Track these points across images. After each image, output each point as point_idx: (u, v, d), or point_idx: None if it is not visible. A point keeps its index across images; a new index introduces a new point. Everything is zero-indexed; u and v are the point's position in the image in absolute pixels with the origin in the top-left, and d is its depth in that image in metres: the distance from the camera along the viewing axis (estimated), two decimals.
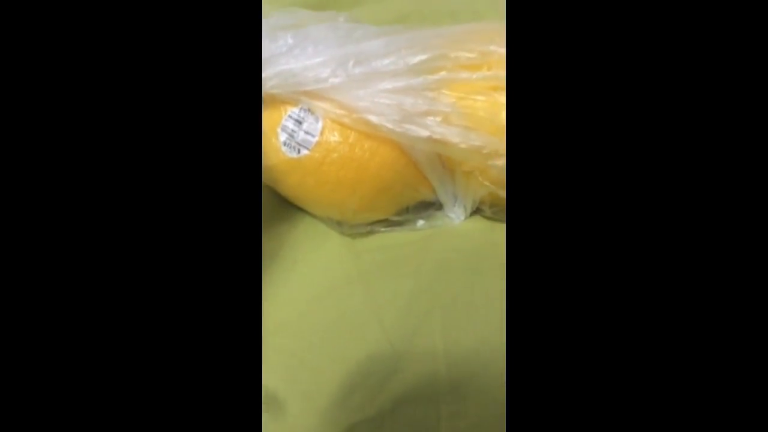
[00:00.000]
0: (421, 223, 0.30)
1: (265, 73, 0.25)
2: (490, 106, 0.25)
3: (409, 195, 0.29)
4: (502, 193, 0.26)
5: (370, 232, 0.30)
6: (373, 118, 0.25)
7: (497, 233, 0.29)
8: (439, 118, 0.25)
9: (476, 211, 0.30)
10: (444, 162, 0.27)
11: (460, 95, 0.25)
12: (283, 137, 0.27)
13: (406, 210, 0.30)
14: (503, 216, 0.29)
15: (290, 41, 0.26)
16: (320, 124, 0.26)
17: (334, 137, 0.26)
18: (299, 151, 0.27)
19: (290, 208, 0.31)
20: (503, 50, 0.24)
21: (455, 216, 0.30)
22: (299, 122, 0.27)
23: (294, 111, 0.27)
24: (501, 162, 0.25)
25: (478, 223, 0.29)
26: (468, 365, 0.24)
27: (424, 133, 0.25)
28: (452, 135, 0.25)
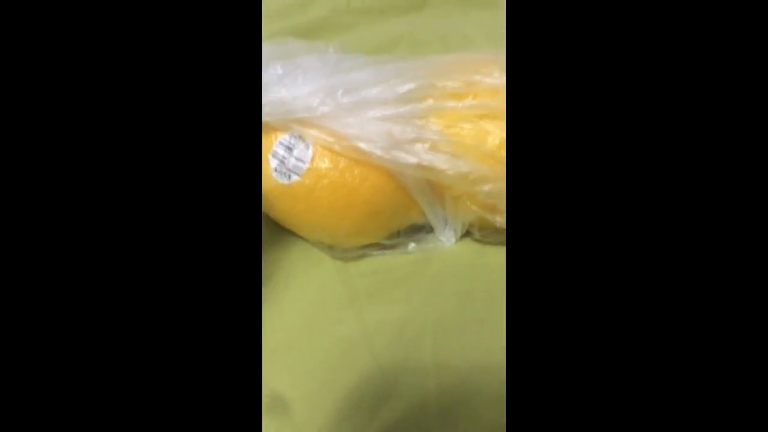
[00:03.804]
0: (412, 246, 0.30)
1: None
2: (477, 133, 0.25)
3: (399, 219, 0.29)
4: (490, 217, 0.27)
5: (362, 256, 0.30)
6: (362, 145, 0.25)
7: (487, 256, 0.29)
8: (427, 145, 0.25)
9: (466, 234, 0.30)
10: (433, 186, 0.28)
11: (447, 123, 0.25)
12: (273, 164, 0.27)
13: (398, 233, 0.30)
14: (492, 239, 0.29)
15: (280, 71, 0.26)
16: (311, 151, 0.27)
17: (324, 163, 0.27)
18: (290, 177, 0.27)
19: (283, 232, 0.31)
20: (488, 80, 0.25)
21: (446, 239, 0.30)
22: (290, 149, 0.27)
23: (285, 138, 0.27)
24: (487, 187, 0.25)
25: (469, 246, 0.30)
26: (458, 391, 0.24)
27: (413, 159, 0.25)
28: (440, 162, 0.25)
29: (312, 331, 0.27)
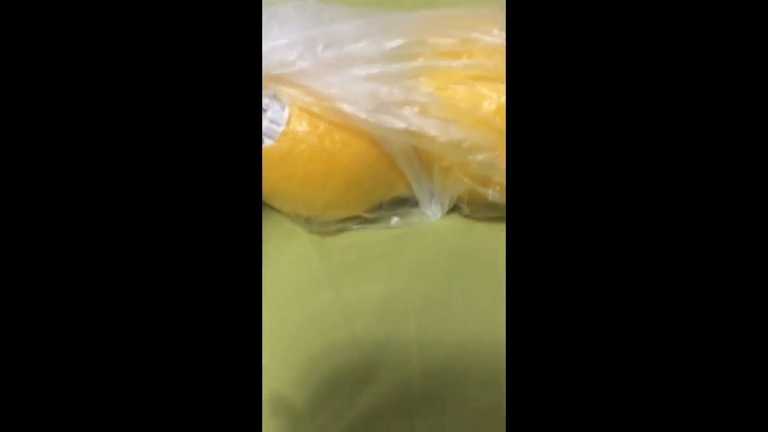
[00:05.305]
0: (395, 220, 0.28)
1: None
2: (471, 97, 0.23)
3: (382, 190, 0.27)
4: (482, 189, 0.25)
5: (341, 230, 0.28)
6: (345, 107, 0.23)
7: (476, 233, 0.28)
8: (416, 109, 0.23)
9: (453, 209, 0.28)
10: (420, 156, 0.25)
11: (439, 85, 0.23)
12: None
13: (380, 206, 0.28)
14: (481, 214, 0.27)
15: None
16: (287, 112, 0.24)
17: (301, 127, 0.24)
18: (263, 141, 0.24)
19: None
20: (487, 38, 0.23)
21: (431, 214, 0.28)
22: (263, 109, 0.24)
23: None
24: (481, 157, 0.23)
25: (456, 222, 0.28)
26: (446, 374, 0.23)
27: (401, 124, 0.23)
28: (430, 127, 0.23)
29: (287, 309, 0.25)
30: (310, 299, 0.26)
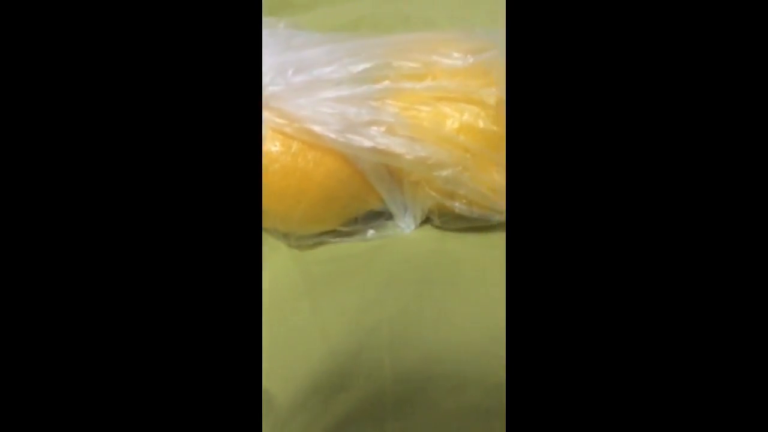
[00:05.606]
0: (371, 233, 0.29)
1: None
2: (435, 116, 0.24)
3: (356, 205, 0.28)
4: (449, 202, 0.26)
5: (319, 244, 0.29)
6: (315, 128, 0.24)
7: (447, 243, 0.29)
8: (383, 128, 0.24)
9: (426, 221, 0.29)
10: (391, 172, 0.27)
11: (404, 105, 0.24)
12: None
13: (355, 220, 0.29)
14: (452, 225, 0.28)
15: None
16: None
17: (275, 147, 0.25)
18: None
19: None
20: (447, 61, 0.24)
21: (405, 226, 0.29)
22: None
23: None
24: (446, 173, 0.24)
25: (428, 233, 0.29)
26: (415, 380, 0.24)
27: (368, 143, 0.24)
28: (396, 145, 0.24)
29: (265, 321, 0.26)
30: (288, 311, 0.27)
